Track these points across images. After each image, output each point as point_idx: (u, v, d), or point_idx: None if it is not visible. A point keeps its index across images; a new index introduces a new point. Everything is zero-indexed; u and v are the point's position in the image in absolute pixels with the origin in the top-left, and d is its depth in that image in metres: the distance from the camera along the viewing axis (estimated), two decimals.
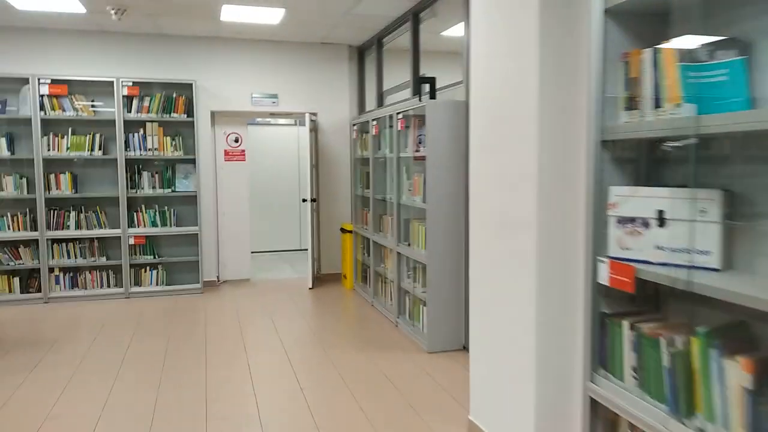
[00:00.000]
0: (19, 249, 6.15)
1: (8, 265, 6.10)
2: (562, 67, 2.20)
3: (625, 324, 1.82)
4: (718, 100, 1.53)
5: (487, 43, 2.63)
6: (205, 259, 6.76)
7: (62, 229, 6.21)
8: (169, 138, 6.47)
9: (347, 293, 6.66)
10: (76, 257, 6.31)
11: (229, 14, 5.71)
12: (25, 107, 6.06)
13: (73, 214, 6.25)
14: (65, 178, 6.21)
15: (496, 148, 2.58)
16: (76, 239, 6.31)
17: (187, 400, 3.64)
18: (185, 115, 6.47)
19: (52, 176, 6.17)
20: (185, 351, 4.57)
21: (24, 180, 6.12)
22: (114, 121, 6.22)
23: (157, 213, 6.51)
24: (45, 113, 6.06)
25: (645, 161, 1.97)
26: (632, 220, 1.80)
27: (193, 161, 6.57)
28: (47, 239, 6.15)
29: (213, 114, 6.93)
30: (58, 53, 6.34)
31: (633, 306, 1.95)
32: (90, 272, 6.37)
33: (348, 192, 7.32)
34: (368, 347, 4.67)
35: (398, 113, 5.03)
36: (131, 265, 6.42)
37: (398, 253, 5.22)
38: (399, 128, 5.05)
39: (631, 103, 1.82)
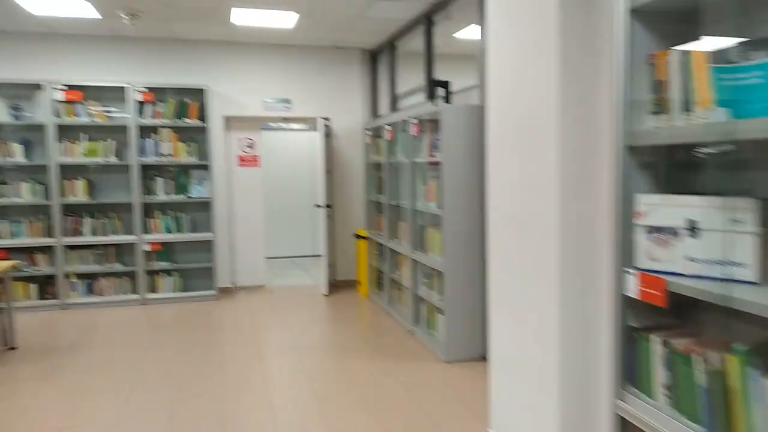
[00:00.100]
0: (36, 255, 6.17)
1: (25, 271, 6.12)
2: (584, 69, 2.12)
3: (656, 339, 1.73)
4: (753, 104, 1.44)
5: (505, 45, 2.55)
6: (219, 265, 6.74)
7: (78, 235, 6.23)
8: (182, 143, 6.46)
9: (362, 300, 6.59)
10: (91, 264, 6.32)
11: (241, 18, 5.69)
12: (40, 113, 6.09)
13: (88, 220, 6.26)
14: (80, 185, 6.22)
15: (515, 152, 2.50)
16: (91, 245, 6.32)
17: (203, 408, 3.59)
18: (199, 121, 6.46)
19: (67, 182, 6.19)
20: (200, 358, 4.53)
21: (39, 186, 6.15)
22: (128, 126, 6.22)
23: (172, 219, 6.50)
24: (59, 119, 6.08)
25: (672, 168, 1.88)
26: (661, 229, 1.72)
27: (206, 167, 6.56)
28: (63, 245, 6.16)
29: (226, 119, 6.91)
30: (72, 59, 6.36)
31: (661, 319, 1.86)
32: (106, 278, 6.38)
33: (362, 197, 7.27)
34: (384, 356, 4.60)
35: (413, 118, 4.96)
36: (147, 272, 6.42)
37: (413, 260, 5.14)
38: (413, 133, 4.98)
39: (659, 107, 1.73)
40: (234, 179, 7.07)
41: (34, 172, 6.19)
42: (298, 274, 8.10)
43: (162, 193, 6.45)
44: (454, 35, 5.67)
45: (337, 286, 7.28)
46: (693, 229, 1.64)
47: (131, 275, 6.43)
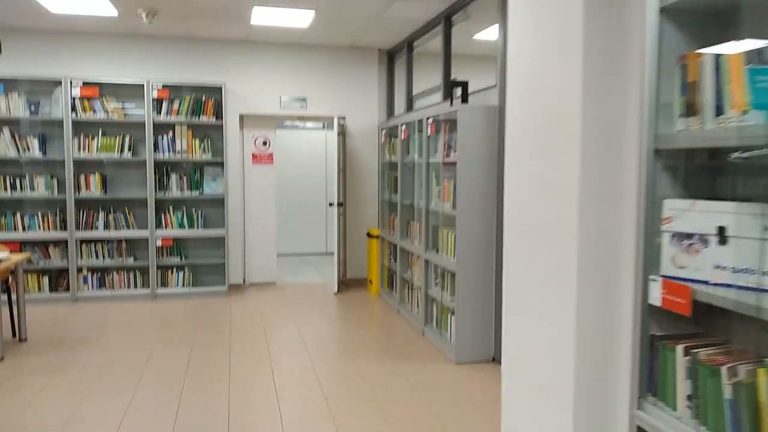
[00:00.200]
0: (49, 249, 6.21)
1: (38, 264, 6.16)
2: (609, 70, 2.07)
3: (679, 349, 1.68)
4: None
5: (527, 44, 2.51)
6: (231, 262, 6.74)
7: (91, 229, 6.25)
8: (197, 140, 6.47)
9: (373, 299, 6.56)
10: (104, 258, 6.34)
11: (260, 17, 5.68)
12: (57, 109, 6.12)
13: (102, 214, 6.29)
14: (95, 179, 6.25)
15: (535, 153, 2.45)
16: (104, 240, 6.34)
17: (210, 406, 3.57)
18: (214, 118, 6.47)
19: (82, 177, 6.22)
20: (209, 355, 4.52)
21: (55, 181, 6.18)
22: (144, 123, 6.24)
23: (185, 215, 6.51)
24: (76, 115, 6.11)
25: (700, 172, 1.83)
26: (689, 236, 1.66)
27: (221, 164, 6.56)
28: (76, 239, 6.19)
29: (242, 117, 6.91)
30: (89, 56, 6.39)
31: (684, 328, 1.80)
32: (117, 273, 6.40)
33: (375, 197, 7.24)
34: (394, 356, 4.56)
35: (428, 118, 4.92)
36: (158, 267, 6.43)
37: (426, 260, 5.10)
38: (429, 133, 4.94)
39: (688, 110, 1.68)
40: (248, 177, 7.07)
41: (50, 167, 6.23)
42: (309, 272, 8.08)
43: (176, 190, 6.46)
44: (473, 37, 5.62)
45: (347, 284, 7.25)
46: (722, 236, 1.59)
47: (143, 270, 6.44)
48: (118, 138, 6.27)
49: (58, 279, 6.27)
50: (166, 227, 6.45)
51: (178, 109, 6.38)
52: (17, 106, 6.03)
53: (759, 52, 1.53)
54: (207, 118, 6.45)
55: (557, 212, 2.28)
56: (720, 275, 1.60)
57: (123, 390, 3.82)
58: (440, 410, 3.57)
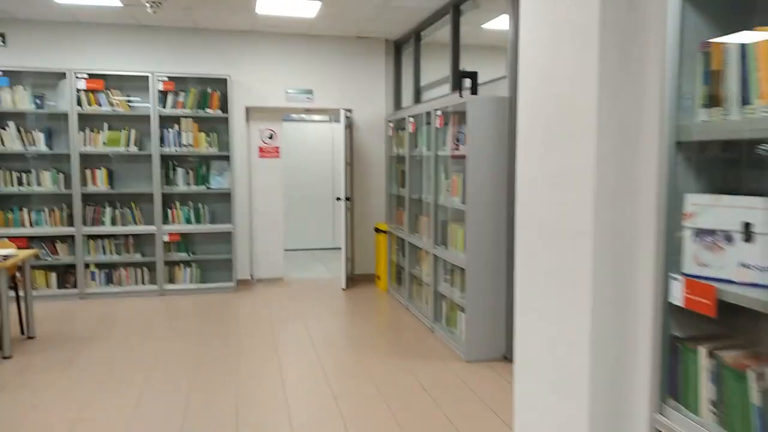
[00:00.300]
0: (56, 244, 6.19)
1: (45, 260, 6.14)
2: (626, 58, 1.98)
3: (702, 351, 1.60)
4: None
5: (539, 33, 2.42)
6: (238, 257, 6.70)
7: (98, 225, 6.23)
8: (203, 134, 6.41)
9: (381, 295, 6.50)
10: (111, 253, 6.32)
11: (265, 6, 5.60)
12: (63, 102, 6.09)
13: (108, 210, 6.26)
14: (101, 174, 6.22)
15: (548, 146, 2.36)
16: (111, 235, 6.32)
17: (218, 405, 3.53)
18: (220, 111, 6.41)
19: (88, 172, 6.19)
20: (217, 352, 4.48)
21: (61, 175, 6.15)
22: (149, 116, 6.19)
23: (192, 210, 6.47)
24: (82, 108, 6.07)
25: (724, 166, 1.74)
26: (712, 232, 1.58)
27: (227, 158, 6.51)
28: (83, 235, 6.17)
29: (247, 110, 6.85)
30: (94, 47, 6.34)
31: (707, 329, 1.72)
32: (125, 269, 6.38)
33: (383, 191, 7.16)
34: (403, 353, 4.50)
35: (437, 110, 4.83)
36: (165, 262, 6.40)
37: (435, 256, 5.03)
38: (437, 125, 4.85)
39: (712, 100, 1.59)
40: (254, 170, 7.01)
41: (56, 161, 6.20)
42: (317, 267, 8.03)
43: (182, 184, 6.42)
44: (482, 26, 5.51)
45: (355, 280, 7.19)
46: (748, 232, 1.51)
47: (150, 266, 6.42)
48: (123, 132, 6.23)
49: (65, 275, 6.26)
50: (172, 222, 6.41)
51: (184, 102, 6.32)
52: (23, 99, 6.00)
53: None
54: (213, 111, 6.39)
55: (571, 207, 2.20)
56: (745, 274, 1.51)
57: (131, 387, 3.78)
58: (450, 409, 3.51)
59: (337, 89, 6.98)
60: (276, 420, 3.34)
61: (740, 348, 1.58)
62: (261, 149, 7.02)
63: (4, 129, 5.98)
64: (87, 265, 6.24)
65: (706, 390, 1.60)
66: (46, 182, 6.11)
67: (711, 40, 1.60)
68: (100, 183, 6.22)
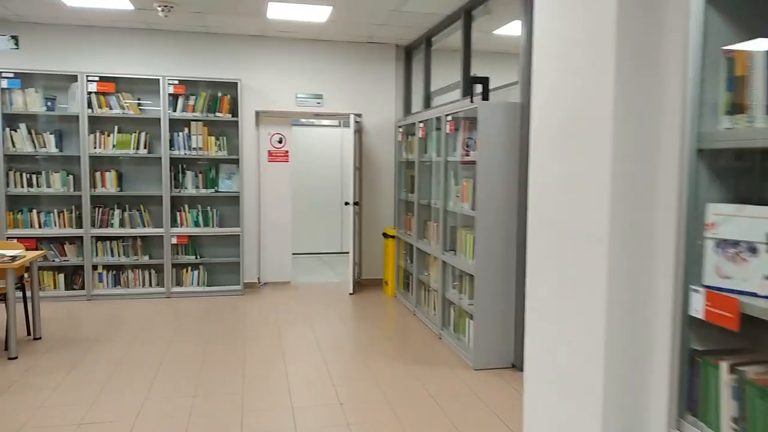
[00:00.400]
0: (65, 245, 6.19)
1: (54, 261, 6.15)
2: (644, 63, 1.93)
3: (724, 366, 1.55)
4: None
5: (554, 37, 2.38)
6: (246, 261, 6.68)
7: (107, 226, 6.23)
8: (213, 137, 6.41)
9: (388, 300, 6.46)
10: (119, 255, 6.32)
11: (276, 12, 5.59)
12: (74, 104, 6.10)
13: (117, 212, 6.26)
14: (110, 176, 6.22)
15: (562, 153, 2.32)
16: (119, 237, 6.32)
17: (223, 410, 3.50)
18: (230, 115, 6.41)
19: (97, 174, 6.19)
20: (223, 356, 4.45)
21: (71, 177, 6.16)
22: (159, 119, 6.20)
23: (200, 213, 6.46)
24: (92, 111, 6.08)
25: (748, 175, 1.69)
26: (735, 243, 1.53)
27: (236, 161, 6.50)
28: (92, 237, 6.17)
29: (257, 114, 6.84)
30: (105, 51, 6.36)
31: (728, 342, 1.67)
32: (132, 271, 6.37)
33: (391, 196, 7.13)
34: (410, 360, 4.46)
35: (447, 115, 4.79)
36: (173, 265, 6.39)
37: (443, 262, 4.98)
38: (448, 131, 4.82)
39: (735, 107, 1.55)
40: (263, 174, 7.00)
41: (66, 163, 6.21)
42: (324, 272, 8.00)
43: (191, 187, 6.41)
44: (493, 32, 5.48)
45: (362, 284, 7.15)
46: None
47: (158, 268, 6.41)
48: (133, 134, 6.23)
49: (73, 276, 6.26)
50: (181, 225, 6.41)
51: (194, 106, 6.32)
52: (34, 102, 6.02)
53: None
54: (223, 115, 6.39)
55: (586, 214, 2.15)
56: None
57: (136, 390, 3.76)
58: (458, 417, 3.46)
59: (347, 94, 6.97)
60: (281, 425, 3.31)
61: (764, 363, 1.53)
62: (270, 153, 7.01)
63: (16, 131, 6.00)
64: (95, 267, 6.24)
65: (727, 406, 1.54)
66: (56, 184, 6.13)
67: (735, 46, 1.56)
68: (109, 185, 6.22)
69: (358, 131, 7.03)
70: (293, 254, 7.70)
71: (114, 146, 6.19)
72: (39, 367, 4.15)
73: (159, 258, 6.37)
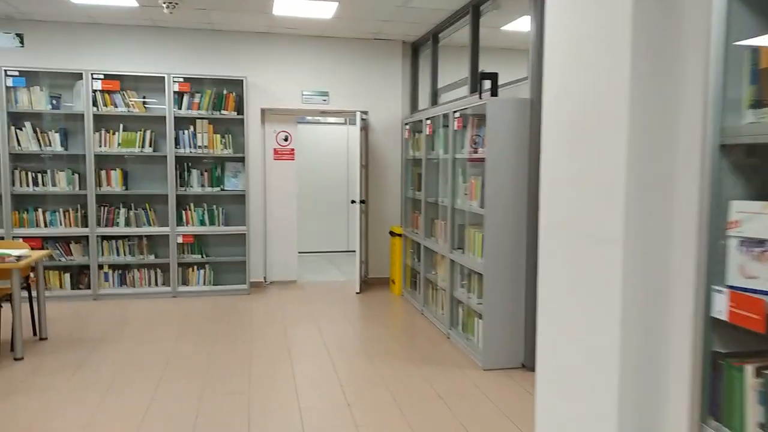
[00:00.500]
0: (70, 245, 6.17)
1: (59, 260, 6.13)
2: (661, 56, 1.87)
3: (749, 369, 1.49)
4: None
5: (566, 30, 2.32)
6: (252, 260, 6.64)
7: (112, 226, 6.20)
8: (218, 135, 6.37)
9: (395, 299, 6.41)
10: (125, 255, 6.29)
11: (282, 8, 5.55)
12: (79, 103, 6.08)
13: (122, 211, 6.23)
14: (116, 175, 6.20)
15: (574, 148, 2.26)
16: (125, 236, 6.29)
17: (230, 411, 3.46)
18: (235, 113, 6.37)
19: (103, 173, 6.17)
20: (229, 356, 4.41)
21: (76, 176, 6.14)
22: (164, 117, 6.16)
23: (206, 211, 6.43)
24: (97, 109, 6.06)
25: None
26: (761, 242, 1.47)
27: (242, 159, 6.46)
28: (97, 236, 6.14)
29: (263, 111, 6.80)
30: (110, 49, 6.33)
31: (752, 344, 1.61)
32: (138, 270, 6.35)
33: (398, 194, 7.08)
34: (418, 360, 4.41)
35: (455, 111, 4.74)
36: (179, 264, 6.36)
37: (451, 260, 4.93)
38: (456, 127, 4.76)
39: (760, 101, 1.49)
40: (269, 173, 6.96)
41: (71, 162, 6.19)
42: (331, 270, 7.96)
43: (197, 185, 6.38)
44: (501, 28, 5.42)
45: (369, 283, 7.11)
46: None
47: (164, 267, 6.38)
48: (139, 133, 6.20)
49: (79, 276, 6.24)
50: (186, 224, 6.38)
51: (199, 103, 6.29)
52: (39, 100, 6.00)
53: None
54: (228, 113, 6.35)
55: (600, 212, 2.09)
56: None
57: (142, 391, 3.73)
58: (467, 418, 3.41)
59: (353, 91, 6.91)
60: (289, 426, 3.26)
61: None
62: (276, 151, 6.97)
63: (21, 129, 5.98)
64: (101, 266, 6.22)
65: (753, 411, 1.49)
66: (62, 183, 6.10)
67: (757, 39, 1.50)
68: (114, 184, 6.20)
69: (365, 129, 6.98)
70: (299, 253, 7.67)
71: (119, 145, 6.17)
72: (45, 368, 4.12)
73: (165, 257, 6.34)
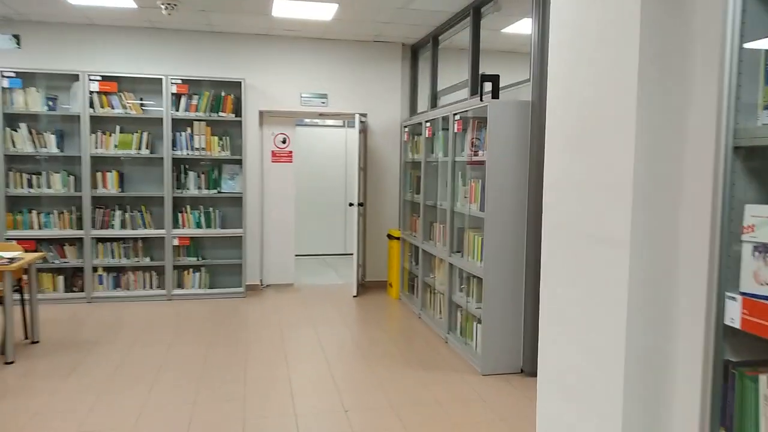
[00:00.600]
0: (65, 247, 6.10)
1: (53, 263, 6.05)
2: (670, 54, 1.83)
3: (764, 379, 1.44)
4: None
5: (572, 31, 2.28)
6: (248, 263, 6.58)
7: (107, 228, 6.14)
8: (216, 137, 6.32)
9: (393, 303, 6.35)
10: (119, 257, 6.22)
11: (282, 9, 5.50)
12: (76, 104, 6.01)
13: (118, 213, 6.17)
14: (112, 177, 6.13)
15: (579, 151, 2.22)
16: (120, 239, 6.22)
17: (224, 416, 3.39)
18: (233, 115, 6.31)
19: (99, 174, 6.11)
20: (225, 360, 4.35)
21: (71, 178, 6.07)
22: (162, 119, 6.11)
23: (202, 214, 6.37)
24: (94, 110, 6.00)
25: None
26: None
27: (239, 162, 6.41)
28: (92, 238, 6.07)
29: (261, 114, 6.75)
30: (108, 50, 6.28)
31: (766, 353, 1.56)
32: (133, 273, 6.28)
33: (396, 197, 7.03)
34: (416, 365, 4.35)
35: (455, 114, 4.69)
36: (174, 267, 6.29)
37: (450, 264, 4.88)
38: (456, 130, 4.72)
39: None
40: (266, 175, 6.91)
41: (67, 163, 6.13)
42: (328, 273, 7.90)
43: (193, 188, 6.32)
44: (502, 30, 5.38)
45: (366, 287, 7.05)
46: None
47: (159, 270, 6.31)
48: (135, 134, 6.14)
49: (72, 278, 6.16)
50: (183, 226, 6.31)
51: (197, 105, 6.23)
52: (35, 101, 5.94)
53: None
54: (226, 115, 6.30)
55: (606, 215, 2.05)
56: None
57: (136, 395, 3.66)
58: (467, 425, 3.35)
59: (352, 94, 6.87)
60: (283, 430, 3.20)
61: None
62: (274, 153, 6.92)
63: (16, 131, 5.92)
64: (95, 269, 6.14)
65: (767, 422, 1.44)
66: (57, 184, 6.04)
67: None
68: (110, 186, 6.13)
69: (363, 131, 6.93)
70: (296, 256, 7.61)
71: (115, 146, 6.10)
72: (36, 372, 4.05)
73: (160, 260, 6.28)
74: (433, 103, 6.38)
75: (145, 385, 3.85)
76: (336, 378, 4.06)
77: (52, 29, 6.13)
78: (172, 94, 6.12)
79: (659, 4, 1.82)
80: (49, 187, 6.02)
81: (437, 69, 6.34)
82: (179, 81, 6.13)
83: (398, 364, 4.37)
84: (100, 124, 6.11)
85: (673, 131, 1.85)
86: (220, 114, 6.28)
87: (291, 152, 6.97)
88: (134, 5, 5.41)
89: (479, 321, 4.29)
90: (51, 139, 6.00)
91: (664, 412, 1.95)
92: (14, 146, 5.90)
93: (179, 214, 6.30)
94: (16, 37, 6.08)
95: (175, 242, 6.24)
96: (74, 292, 6.12)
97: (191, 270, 6.39)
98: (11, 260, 4.23)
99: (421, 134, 5.73)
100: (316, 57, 6.75)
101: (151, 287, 6.30)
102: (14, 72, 5.84)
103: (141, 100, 6.22)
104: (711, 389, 1.58)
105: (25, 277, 4.71)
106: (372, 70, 6.87)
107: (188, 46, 6.44)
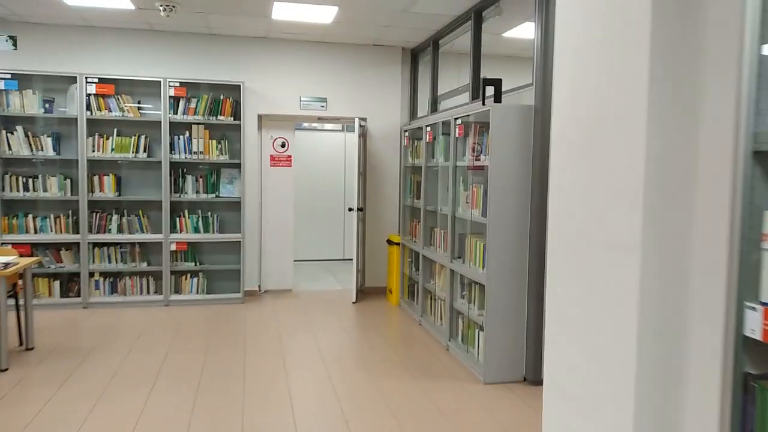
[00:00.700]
0: (61, 252, 6.03)
1: (49, 268, 5.98)
2: (683, 55, 1.78)
3: None
4: None
5: (578, 32, 2.23)
6: (246, 268, 6.51)
7: (104, 232, 6.07)
8: (214, 141, 6.26)
9: (392, 309, 6.29)
10: (116, 262, 6.15)
11: (282, 12, 5.46)
12: (73, 107, 5.96)
13: (115, 217, 6.10)
14: (109, 180, 6.07)
15: (588, 156, 2.16)
16: (117, 243, 6.15)
17: (222, 423, 3.32)
18: (232, 118, 6.26)
19: (96, 178, 6.04)
20: (222, 367, 4.27)
21: (68, 181, 6.01)
22: (159, 122, 6.05)
23: (200, 218, 6.30)
24: (91, 113, 5.94)
25: None
26: None
27: (238, 166, 6.35)
28: (89, 242, 6.00)
29: (260, 117, 6.70)
30: (106, 52, 6.22)
31: None
32: (130, 278, 6.20)
33: (396, 202, 6.97)
34: (417, 373, 4.28)
35: (457, 118, 4.64)
36: (172, 272, 6.22)
37: (451, 270, 4.81)
38: (457, 134, 4.66)
39: None
40: (265, 179, 6.85)
41: (64, 167, 6.06)
42: (327, 279, 7.83)
43: (191, 192, 6.26)
44: (503, 34, 5.35)
45: (366, 293, 6.98)
46: None
47: (156, 275, 6.24)
48: (133, 138, 6.08)
49: (69, 283, 6.09)
50: (180, 231, 6.25)
51: (195, 108, 6.18)
52: (31, 104, 5.88)
53: None
54: (225, 118, 6.24)
55: (616, 221, 1.99)
56: None
57: (132, 402, 3.59)
58: None
59: (352, 98, 6.82)
60: None
61: None
62: (273, 158, 6.86)
63: (12, 133, 5.85)
64: (91, 274, 6.07)
65: None
66: (53, 188, 5.97)
67: None
68: (107, 189, 6.07)
69: (363, 135, 6.88)
70: (295, 261, 7.54)
71: (113, 150, 6.04)
72: (31, 379, 3.97)
73: (158, 265, 6.20)
74: (434, 108, 6.33)
75: (142, 392, 3.77)
76: (336, 386, 3.99)
77: (48, 30, 6.07)
78: (170, 97, 6.07)
79: (671, 5, 1.77)
80: (45, 190, 5.95)
81: (437, 73, 6.30)
82: (177, 84, 6.08)
83: (399, 371, 4.30)
84: (97, 127, 6.05)
85: (685, 135, 1.80)
86: (219, 117, 6.23)
87: (290, 156, 6.91)
88: (132, 6, 5.36)
89: (481, 328, 4.23)
90: (47, 142, 5.94)
91: (677, 427, 1.89)
92: (10, 149, 5.84)
93: (177, 219, 6.24)
94: (13, 38, 6.02)
95: (173, 247, 6.17)
96: (70, 297, 6.04)
97: (189, 275, 6.32)
98: (6, 265, 4.16)
99: (421, 139, 5.68)
100: (315, 60, 6.70)
101: (148, 293, 6.23)
102: (10, 74, 5.79)
103: (139, 102, 6.17)
104: (730, 403, 1.52)
105: (20, 282, 4.64)
106: (372, 74, 6.83)
107: (187, 49, 6.39)
